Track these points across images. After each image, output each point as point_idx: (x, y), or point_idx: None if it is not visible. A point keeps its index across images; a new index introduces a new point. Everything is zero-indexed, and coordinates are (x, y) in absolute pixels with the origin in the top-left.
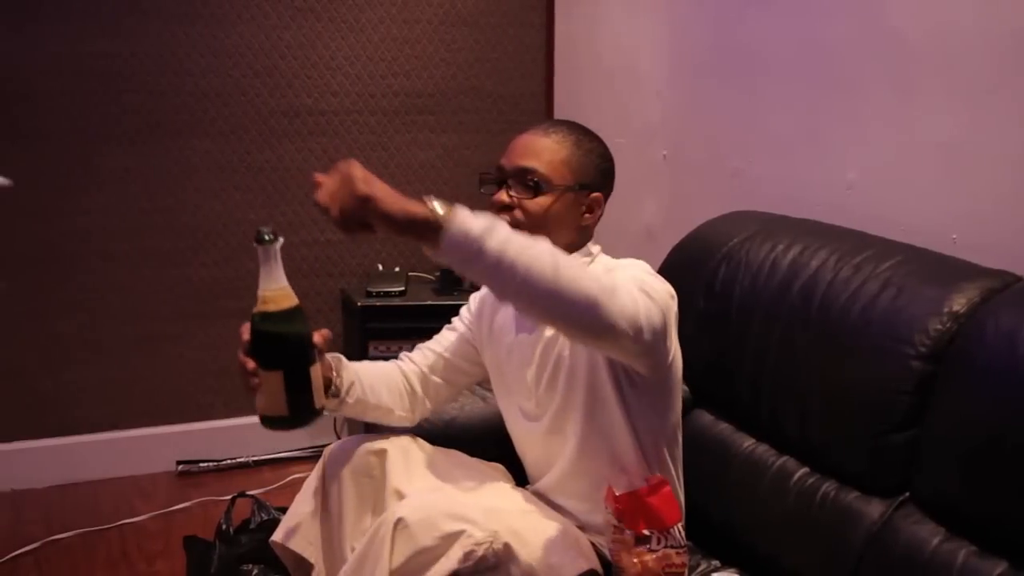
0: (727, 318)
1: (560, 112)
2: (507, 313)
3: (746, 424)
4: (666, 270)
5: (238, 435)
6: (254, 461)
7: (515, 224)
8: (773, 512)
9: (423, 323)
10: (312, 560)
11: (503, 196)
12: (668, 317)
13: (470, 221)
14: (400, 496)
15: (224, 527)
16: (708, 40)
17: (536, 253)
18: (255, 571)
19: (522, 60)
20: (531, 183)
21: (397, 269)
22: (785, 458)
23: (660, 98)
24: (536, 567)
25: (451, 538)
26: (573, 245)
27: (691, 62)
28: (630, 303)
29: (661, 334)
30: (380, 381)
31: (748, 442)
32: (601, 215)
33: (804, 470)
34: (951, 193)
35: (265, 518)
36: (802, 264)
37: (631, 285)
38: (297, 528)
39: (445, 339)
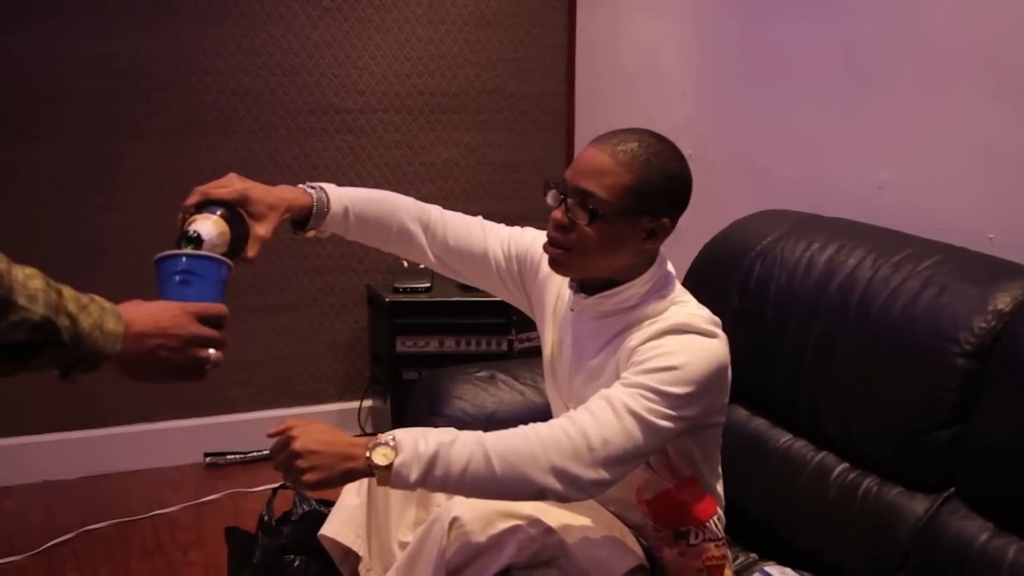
0: (763, 316)
1: (580, 111)
2: (575, 325)
3: (782, 420)
4: (697, 268)
5: (264, 428)
6: None
7: (568, 247)
8: (813, 507)
9: (450, 318)
10: (361, 553)
11: (560, 215)
12: (680, 416)
13: (408, 471)
14: None
15: (266, 518)
16: (735, 41)
17: (476, 477)
18: (297, 562)
19: (544, 60)
20: (588, 207)
21: (422, 265)
22: (824, 453)
23: (685, 98)
24: (586, 563)
25: (505, 535)
26: (634, 267)
27: (717, 62)
28: (588, 480)
29: (637, 456)
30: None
31: (785, 437)
32: (666, 237)
33: (844, 465)
34: (988, 192)
35: (307, 509)
36: (839, 263)
37: (610, 434)
38: (345, 521)
39: (499, 228)
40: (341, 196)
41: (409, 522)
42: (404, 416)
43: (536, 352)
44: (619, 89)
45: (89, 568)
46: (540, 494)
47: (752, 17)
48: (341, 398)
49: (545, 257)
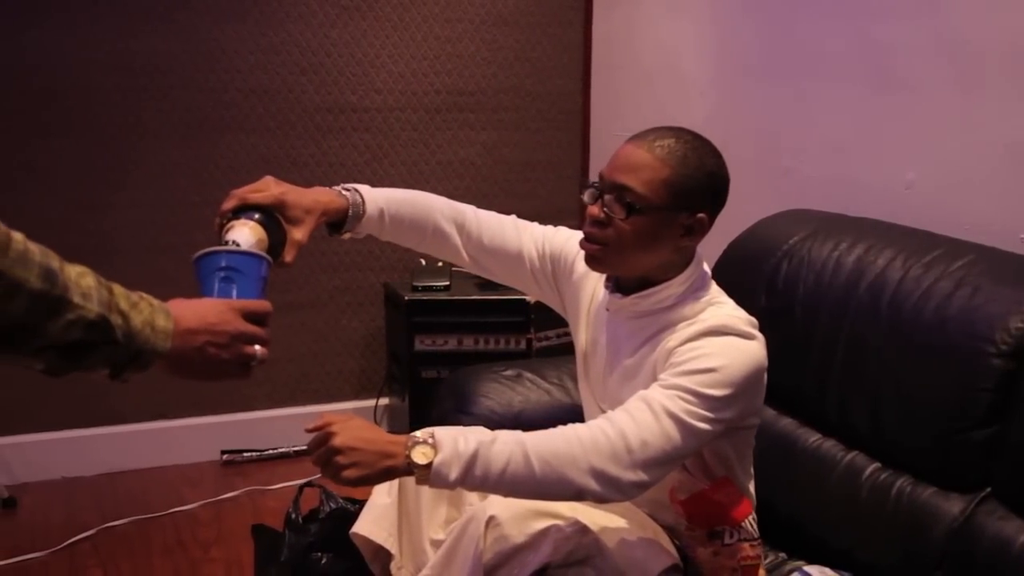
0: (791, 315)
1: (596, 110)
2: (610, 325)
3: (811, 419)
4: (722, 267)
5: (280, 426)
6: (295, 451)
7: (604, 242)
8: (844, 506)
9: (468, 317)
10: (392, 551)
11: (597, 211)
12: (719, 418)
13: (448, 470)
14: None
15: (293, 516)
16: (755, 39)
17: (515, 477)
18: (324, 559)
19: (560, 59)
20: (625, 202)
21: (440, 264)
22: (854, 453)
23: (704, 98)
24: (621, 562)
25: (542, 534)
26: (671, 265)
27: (737, 62)
28: (627, 482)
29: (675, 458)
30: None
31: (814, 437)
32: (704, 234)
33: (875, 465)
34: (1018, 192)
35: (334, 507)
36: (868, 262)
37: (648, 434)
38: (377, 519)
39: (533, 227)
40: (376, 198)
41: (440, 520)
42: (427, 415)
43: (555, 351)
44: (637, 88)
45: (111, 564)
46: (578, 495)
47: (773, 16)
48: (357, 396)
49: (580, 257)
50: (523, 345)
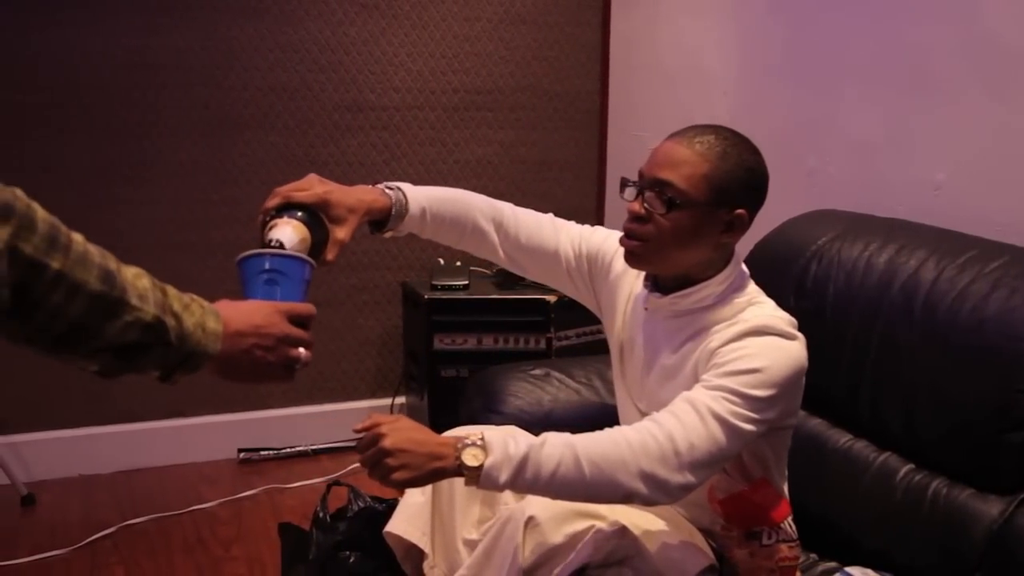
0: (821, 316)
1: (614, 110)
2: (647, 324)
3: (842, 420)
4: (749, 267)
5: (296, 424)
6: (313, 450)
7: (645, 238)
8: (879, 508)
9: (488, 316)
10: (427, 550)
11: (637, 207)
12: (762, 418)
13: (498, 472)
14: None
15: (321, 514)
16: (780, 39)
17: (565, 480)
18: (352, 558)
19: (578, 58)
20: (666, 197)
21: (459, 263)
22: (887, 454)
23: (727, 98)
24: (660, 563)
25: (582, 534)
26: (710, 263)
27: (761, 62)
28: (675, 484)
29: (721, 460)
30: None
31: (845, 438)
32: (744, 231)
33: (909, 467)
34: None
35: (362, 506)
36: (900, 263)
37: (696, 436)
38: (411, 518)
39: (570, 226)
40: (418, 197)
41: (473, 520)
42: (447, 414)
43: (575, 351)
44: (657, 87)
45: (132, 562)
46: (627, 498)
47: (797, 14)
48: (373, 395)
49: (617, 256)
50: (543, 344)
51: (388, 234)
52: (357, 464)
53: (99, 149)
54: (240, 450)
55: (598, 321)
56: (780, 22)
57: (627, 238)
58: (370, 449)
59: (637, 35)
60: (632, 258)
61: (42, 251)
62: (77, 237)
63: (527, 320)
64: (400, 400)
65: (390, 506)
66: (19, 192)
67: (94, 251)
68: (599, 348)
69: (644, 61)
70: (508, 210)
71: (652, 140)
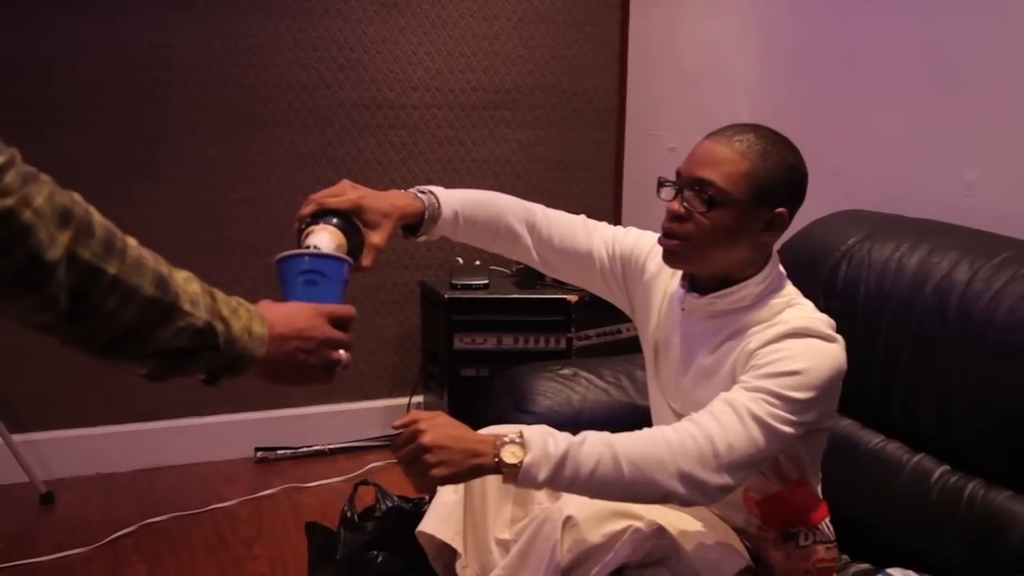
0: (852, 317)
1: (632, 109)
2: (684, 324)
3: (873, 421)
4: None
5: (313, 423)
6: (330, 449)
7: (685, 237)
8: (913, 509)
9: (508, 315)
10: (460, 550)
11: (677, 206)
12: (802, 421)
13: (537, 470)
14: None
15: (348, 514)
16: (804, 39)
17: (604, 479)
18: (380, 558)
19: (596, 57)
20: (706, 196)
21: (478, 263)
22: (920, 456)
23: (749, 97)
24: (697, 563)
25: (620, 534)
26: (749, 262)
27: (784, 61)
28: (713, 485)
29: (759, 461)
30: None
31: (876, 439)
32: (784, 230)
33: (944, 468)
34: None
35: (390, 505)
36: (932, 264)
37: (735, 437)
38: (443, 518)
39: (603, 227)
40: (451, 200)
41: (506, 519)
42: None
43: (596, 351)
44: (676, 87)
45: (154, 560)
46: (665, 498)
47: (821, 12)
48: (390, 394)
49: (651, 256)
50: (563, 344)
51: (422, 238)
52: (375, 464)
53: (116, 147)
54: (257, 449)
55: (618, 321)
56: (803, 19)
57: (666, 237)
58: (408, 445)
59: (656, 34)
60: (672, 257)
61: (99, 256)
62: (131, 241)
63: (547, 320)
64: (417, 399)
65: (417, 505)
66: (77, 196)
67: (148, 255)
68: (620, 348)
69: (663, 60)
70: (540, 212)
71: (670, 140)
